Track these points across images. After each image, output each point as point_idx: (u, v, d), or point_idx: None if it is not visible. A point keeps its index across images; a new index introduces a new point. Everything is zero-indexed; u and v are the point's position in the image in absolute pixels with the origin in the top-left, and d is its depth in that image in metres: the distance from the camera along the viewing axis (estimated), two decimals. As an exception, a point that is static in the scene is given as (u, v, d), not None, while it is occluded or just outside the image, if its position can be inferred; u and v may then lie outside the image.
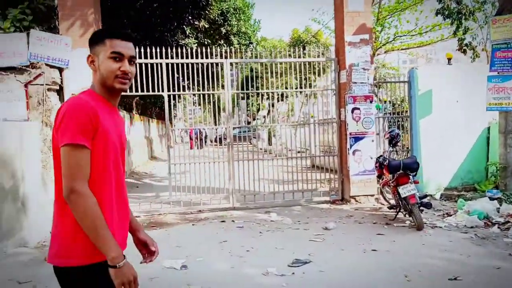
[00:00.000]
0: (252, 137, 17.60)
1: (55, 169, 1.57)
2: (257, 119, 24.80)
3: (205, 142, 11.78)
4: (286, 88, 8.69)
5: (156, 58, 6.68)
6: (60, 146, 1.45)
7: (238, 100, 10.51)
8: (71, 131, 1.44)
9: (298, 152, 12.06)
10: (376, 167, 6.35)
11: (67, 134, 1.44)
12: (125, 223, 1.71)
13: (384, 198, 6.69)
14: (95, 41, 1.63)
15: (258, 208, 6.88)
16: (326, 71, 10.27)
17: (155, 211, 6.73)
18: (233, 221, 6.12)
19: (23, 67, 5.62)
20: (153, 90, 6.79)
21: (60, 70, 5.97)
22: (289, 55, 7.43)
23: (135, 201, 7.02)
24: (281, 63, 7.48)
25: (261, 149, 14.03)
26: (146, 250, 1.86)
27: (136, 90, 6.70)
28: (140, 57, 6.57)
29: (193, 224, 6.05)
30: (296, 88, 8.00)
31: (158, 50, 6.67)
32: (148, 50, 6.61)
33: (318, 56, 7.53)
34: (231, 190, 7.01)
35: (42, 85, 5.70)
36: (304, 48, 8.21)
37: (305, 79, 7.32)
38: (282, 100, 17.96)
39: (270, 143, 16.09)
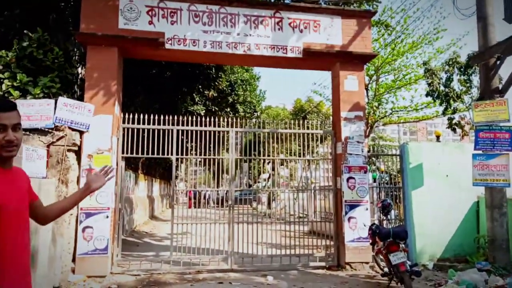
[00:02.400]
0: (253, 200, 17.86)
1: None
2: (258, 182, 25.23)
3: (207, 203, 12.08)
4: (289, 154, 9.23)
5: (168, 124, 7.32)
6: None
7: (240, 164, 11.06)
8: None
9: (299, 217, 12.30)
10: (369, 234, 6.64)
11: None
12: None
13: (378, 266, 6.88)
14: None
15: (256, 271, 7.05)
16: (327, 139, 10.91)
17: (154, 270, 6.91)
18: (230, 283, 6.29)
19: (48, 129, 6.22)
20: (163, 153, 7.34)
21: (81, 132, 6.57)
22: (290, 127, 8.07)
23: (136, 260, 7.24)
24: (280, 133, 8.11)
25: (261, 212, 14.26)
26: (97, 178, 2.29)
27: (147, 153, 7.26)
28: (153, 123, 7.23)
29: (191, 285, 6.21)
30: (298, 155, 8.51)
31: (170, 117, 7.32)
32: (162, 117, 7.27)
33: (317, 128, 8.17)
34: (230, 252, 7.24)
35: (63, 146, 6.26)
36: (304, 119, 8.90)
37: (307, 145, 7.89)
38: (283, 164, 18.50)
39: (270, 206, 16.34)
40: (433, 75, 8.83)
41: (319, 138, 8.54)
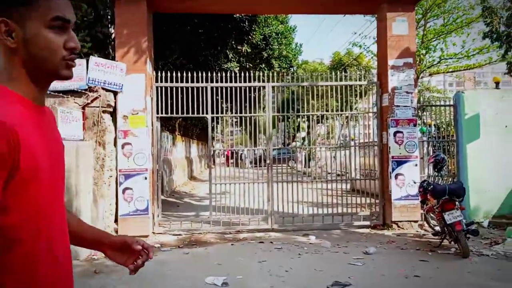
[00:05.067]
0: (291, 159, 17.62)
1: None
2: (296, 141, 24.82)
3: (244, 163, 11.95)
4: (326, 110, 8.74)
5: (202, 82, 7.01)
6: None
7: (277, 122, 10.70)
8: None
9: (338, 175, 11.93)
10: (419, 192, 6.19)
11: None
12: None
13: (428, 224, 6.48)
14: None
15: (297, 231, 6.87)
16: (368, 94, 10.24)
17: (195, 230, 6.91)
18: (271, 242, 6.16)
19: (82, 91, 6.10)
20: (198, 112, 7.11)
21: (114, 93, 6.41)
22: (331, 78, 7.52)
23: (177, 220, 7.27)
24: (321, 86, 7.58)
25: (299, 171, 14.01)
26: (129, 252, 1.28)
27: (182, 112, 7.05)
28: (187, 81, 6.94)
29: (232, 244, 6.15)
30: (337, 111, 8.00)
31: (204, 74, 7.00)
32: (195, 74, 6.96)
33: (360, 79, 7.57)
34: (270, 211, 7.07)
35: (98, 107, 6.15)
36: (345, 71, 8.28)
37: (346, 101, 7.37)
38: (321, 122, 17.95)
39: (308, 165, 16.04)
40: (492, 14, 7.81)
41: (362, 91, 7.94)
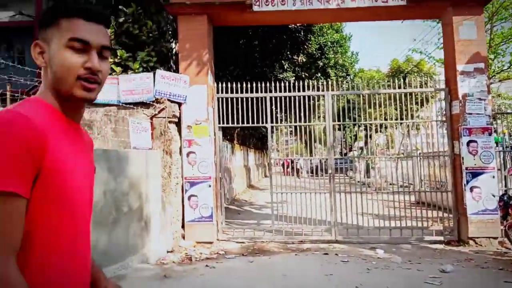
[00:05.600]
0: (349, 168, 17.14)
1: None
2: (354, 150, 24.15)
3: (301, 172, 11.82)
4: (385, 119, 8.40)
5: (261, 92, 7.05)
6: None
7: (333, 132, 10.38)
8: None
9: (401, 186, 11.36)
10: (499, 206, 5.68)
11: None
12: None
13: (510, 241, 5.91)
14: (46, 21, 1.06)
15: (362, 243, 6.60)
16: (430, 101, 9.73)
17: (258, 238, 6.88)
18: (336, 254, 5.96)
19: (150, 102, 6.38)
20: (257, 122, 7.16)
21: (179, 104, 6.63)
22: (392, 86, 7.22)
23: (239, 227, 7.30)
24: (379, 94, 7.29)
25: (358, 181, 13.59)
26: None
27: (242, 122, 7.13)
28: (246, 92, 7.03)
29: (295, 254, 6.03)
30: (396, 119, 7.66)
31: (263, 85, 7.05)
32: (254, 85, 7.03)
33: (422, 86, 7.19)
34: (333, 222, 6.87)
35: (164, 118, 6.38)
36: (404, 79, 7.91)
37: (406, 109, 7.03)
38: (379, 131, 17.36)
39: (367, 175, 15.52)
40: None
41: (424, 98, 7.51)
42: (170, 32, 8.42)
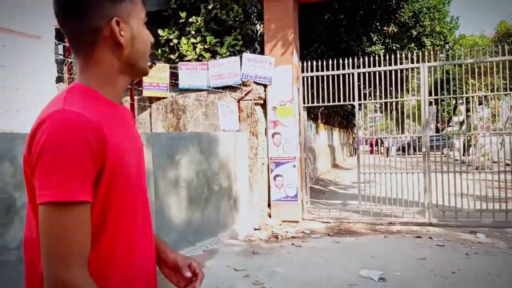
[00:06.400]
0: (445, 146, 15.80)
1: (27, 219, 0.94)
2: (451, 126, 22.13)
3: (390, 151, 11.25)
4: (491, 90, 7.48)
5: (348, 68, 6.81)
6: (39, 203, 0.83)
7: (429, 106, 9.59)
8: (57, 178, 0.82)
9: (507, 165, 10.14)
10: None
11: (50, 183, 0.82)
12: None
13: None
14: None
15: (460, 227, 6.13)
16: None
17: (344, 218, 6.82)
18: (430, 238, 5.63)
19: (237, 86, 6.61)
20: (344, 100, 6.96)
21: (264, 86, 6.75)
22: (500, 53, 6.38)
23: (325, 207, 7.31)
24: (484, 63, 6.51)
25: (456, 160, 12.48)
26: (179, 275, 1.16)
27: (328, 101, 7.00)
28: (332, 69, 6.84)
29: (384, 236, 5.85)
30: (504, 90, 6.75)
31: (349, 61, 6.79)
32: (341, 61, 6.81)
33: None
34: (427, 204, 6.48)
35: (251, 100, 6.57)
36: (513, 44, 6.90)
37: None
38: (483, 104, 15.61)
39: (467, 153, 14.15)
40: None
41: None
42: (255, 14, 8.54)
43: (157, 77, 6.61)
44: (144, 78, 6.45)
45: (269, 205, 6.74)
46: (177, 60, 7.13)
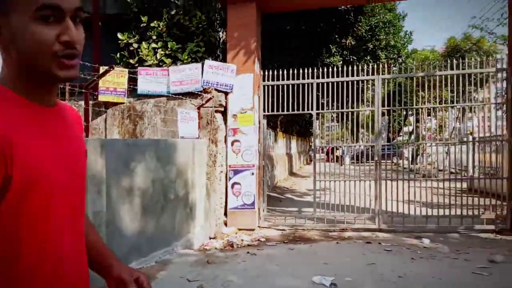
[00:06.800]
0: (395, 155, 16.61)
1: None
2: (401, 135, 23.25)
3: (344, 159, 11.68)
4: (439, 102, 8.01)
5: (308, 78, 7.02)
6: None
7: (382, 117, 10.07)
8: None
9: (451, 173, 10.83)
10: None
11: None
12: None
13: None
14: None
15: (407, 232, 6.48)
16: (489, 82, 9.09)
17: (299, 226, 6.99)
18: (380, 243, 5.91)
19: (197, 92, 6.61)
20: (303, 109, 7.15)
21: (225, 93, 6.81)
22: (447, 67, 6.83)
23: (281, 215, 7.45)
24: (434, 76, 6.95)
25: (405, 168, 13.15)
26: None
27: (287, 110, 7.15)
28: (293, 78, 7.03)
29: (337, 243, 6.06)
30: (450, 102, 7.26)
31: (309, 71, 7.00)
32: (301, 71, 7.01)
33: (483, 66, 6.73)
34: (378, 210, 6.79)
35: (211, 107, 6.60)
36: (462, 58, 7.44)
37: (462, 92, 6.64)
38: (431, 115, 16.57)
39: (415, 162, 14.96)
40: None
41: (484, 79, 7.08)
42: (218, 22, 8.58)
43: (114, 82, 6.48)
44: (100, 82, 6.30)
45: (225, 213, 6.77)
46: (137, 65, 7.02)
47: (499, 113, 7.05)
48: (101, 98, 6.40)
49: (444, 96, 7.57)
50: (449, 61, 6.89)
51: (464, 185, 9.85)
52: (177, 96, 6.62)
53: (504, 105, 6.56)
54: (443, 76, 6.87)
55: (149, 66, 6.95)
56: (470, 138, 9.59)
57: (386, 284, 4.20)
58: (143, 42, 7.10)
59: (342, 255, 5.34)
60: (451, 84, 6.78)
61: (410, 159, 15.60)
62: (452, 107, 8.12)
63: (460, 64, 6.72)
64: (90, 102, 5.44)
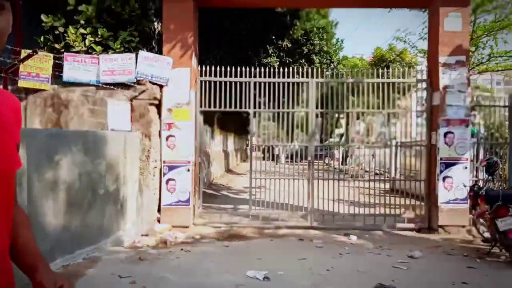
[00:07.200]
0: (327, 156, 17.35)
1: None
2: (333, 137, 24.43)
3: (280, 158, 11.93)
4: (367, 107, 8.52)
5: (245, 76, 7.03)
6: None
7: (315, 119, 10.46)
8: None
9: (376, 174, 11.59)
10: (470, 196, 5.91)
11: None
12: None
13: (477, 230, 6.17)
14: None
15: (337, 230, 6.77)
16: (411, 90, 9.88)
17: (234, 223, 6.97)
18: (311, 240, 6.11)
19: (130, 84, 6.28)
20: (240, 107, 7.13)
21: (160, 87, 6.56)
22: (375, 75, 7.29)
23: (216, 212, 7.38)
24: (362, 83, 7.37)
25: (335, 168, 13.82)
26: None
27: (224, 107, 7.10)
28: (230, 76, 6.98)
29: (271, 240, 6.15)
30: (377, 108, 7.79)
31: (247, 69, 7.01)
32: (239, 69, 6.99)
33: (405, 76, 7.29)
34: (310, 209, 7.01)
35: (145, 100, 6.31)
36: (387, 68, 8.00)
37: (388, 98, 7.14)
38: (360, 119, 17.61)
39: (345, 163, 15.77)
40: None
41: (406, 88, 7.64)
42: (153, 11, 8.24)
43: (37, 67, 5.92)
44: (21, 67, 5.72)
45: (159, 210, 6.53)
46: (63, 50, 6.48)
47: (420, 120, 7.64)
48: (22, 83, 5.81)
49: (372, 102, 8.07)
50: (375, 70, 7.34)
51: (388, 185, 10.59)
52: (107, 87, 6.24)
53: (424, 113, 7.14)
54: (370, 83, 7.30)
55: (77, 52, 6.47)
56: (394, 142, 10.36)
57: (315, 277, 4.34)
58: (70, 27, 6.58)
59: (275, 252, 5.42)
60: (377, 91, 7.23)
61: (341, 160, 16.40)
62: (377, 112, 8.69)
63: (385, 73, 7.20)
64: (9, 87, 4.91)
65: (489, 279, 4.39)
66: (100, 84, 6.23)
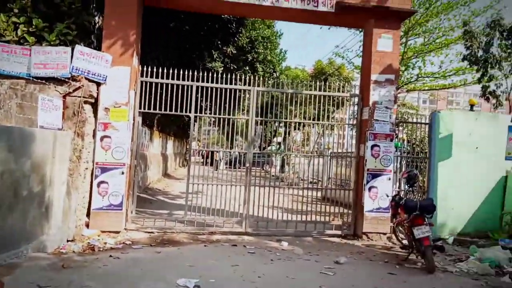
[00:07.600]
0: (265, 163, 17.72)
1: None
2: (272, 145, 24.98)
3: (219, 164, 11.97)
4: (305, 118, 8.89)
5: (188, 80, 6.99)
6: None
7: (256, 125, 10.66)
8: None
9: (310, 182, 12.08)
10: (391, 205, 6.41)
11: None
12: None
13: (397, 238, 6.70)
14: None
15: (270, 236, 6.95)
16: (345, 104, 10.49)
17: (168, 228, 6.86)
18: (244, 246, 6.20)
19: (64, 79, 5.96)
20: (181, 110, 7.07)
21: (98, 84, 6.30)
22: (314, 88, 7.63)
23: (150, 217, 7.21)
24: (301, 94, 7.69)
25: (273, 175, 14.17)
26: None
27: (165, 109, 6.99)
28: (172, 78, 6.90)
29: (205, 245, 6.15)
30: (314, 119, 8.17)
31: (190, 73, 6.98)
32: (181, 72, 6.93)
33: (342, 91, 7.72)
34: (245, 215, 7.12)
35: (79, 97, 6.02)
36: (325, 81, 8.45)
37: (324, 110, 7.54)
38: (298, 129, 18.22)
39: (282, 170, 16.22)
40: (473, 38, 8.18)
41: (340, 102, 8.11)
42: (95, 5, 7.89)
43: (-44, 54, 5.40)
44: None
45: (88, 214, 6.23)
46: (-10, 38, 5.98)
47: (352, 132, 8.13)
48: None
49: (309, 113, 8.44)
50: (313, 83, 7.70)
51: (320, 194, 11.07)
52: (39, 81, 5.86)
53: (355, 126, 7.62)
54: (309, 95, 7.63)
55: (8, 42, 6.01)
56: (328, 152, 10.88)
57: (247, 284, 4.42)
58: (2, 14, 6.11)
59: (208, 258, 5.43)
60: (315, 103, 7.58)
61: (279, 167, 16.81)
62: (314, 123, 9.09)
63: (323, 87, 7.58)
64: None
65: (407, 285, 4.77)
66: (31, 78, 5.84)
